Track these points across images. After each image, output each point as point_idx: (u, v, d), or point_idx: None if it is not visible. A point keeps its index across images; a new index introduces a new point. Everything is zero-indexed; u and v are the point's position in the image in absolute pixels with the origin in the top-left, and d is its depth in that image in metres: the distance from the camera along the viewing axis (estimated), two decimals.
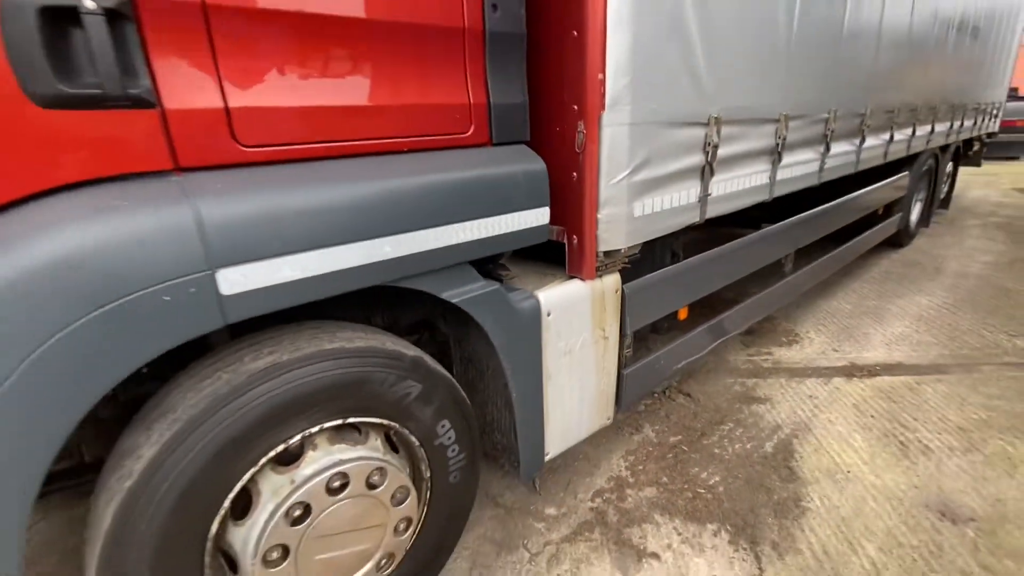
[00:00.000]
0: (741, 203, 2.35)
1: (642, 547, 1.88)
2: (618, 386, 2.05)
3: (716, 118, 1.99)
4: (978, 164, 7.70)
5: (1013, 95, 14.24)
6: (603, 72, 1.54)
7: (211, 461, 1.12)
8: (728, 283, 2.56)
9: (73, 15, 0.86)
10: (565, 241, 1.75)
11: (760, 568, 1.78)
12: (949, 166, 6.29)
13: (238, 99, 1.05)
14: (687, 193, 2.00)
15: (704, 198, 2.08)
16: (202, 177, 1.03)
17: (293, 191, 1.11)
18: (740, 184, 2.29)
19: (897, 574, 1.73)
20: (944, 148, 5.57)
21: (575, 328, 1.78)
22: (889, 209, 4.64)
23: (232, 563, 1.25)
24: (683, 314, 2.43)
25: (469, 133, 1.46)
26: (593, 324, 1.84)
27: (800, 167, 2.73)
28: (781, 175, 2.56)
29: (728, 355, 3.24)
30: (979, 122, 6.18)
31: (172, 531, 1.10)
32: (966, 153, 7.18)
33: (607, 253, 1.77)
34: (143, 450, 1.08)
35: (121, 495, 1.06)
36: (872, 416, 2.59)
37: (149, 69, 0.95)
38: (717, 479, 2.20)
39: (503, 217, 1.52)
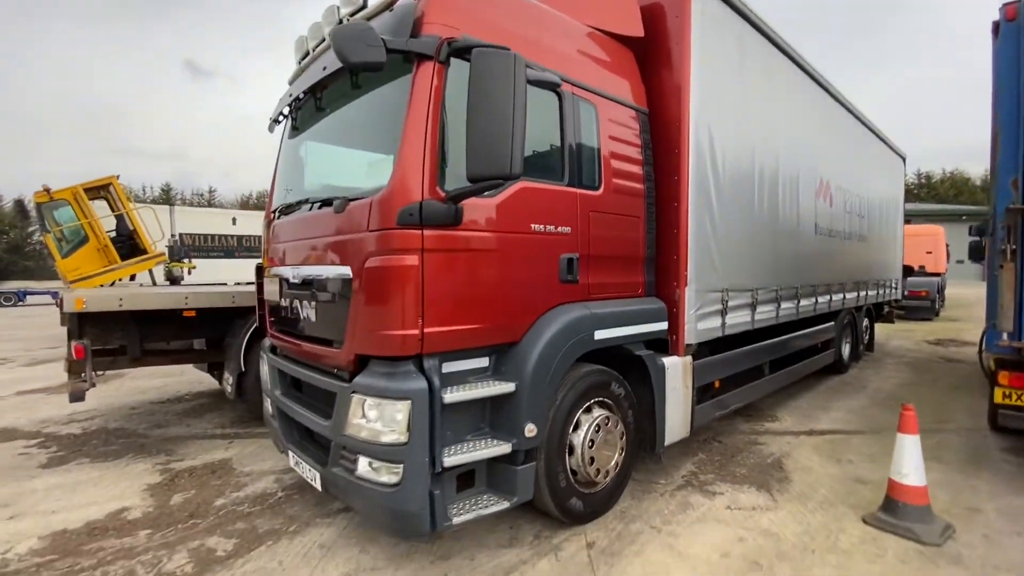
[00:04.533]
0: (738, 329, 4.66)
1: (712, 490, 3.80)
2: (692, 415, 4.11)
3: (726, 288, 4.40)
4: (891, 321, 10.50)
5: (921, 272, 18.14)
6: (686, 271, 3.92)
7: (572, 404, 3.19)
8: (734, 372, 4.76)
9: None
10: (670, 338, 3.97)
11: (772, 496, 3.71)
12: (865, 321, 8.95)
13: (595, 279, 3.36)
14: (716, 321, 4.31)
15: (723, 324, 4.40)
16: (588, 302, 3.29)
17: (603, 309, 3.37)
18: (738, 320, 4.64)
19: (826, 496, 3.69)
20: (858, 308, 8.27)
21: (675, 377, 3.92)
22: (827, 345, 7.08)
23: (571, 450, 3.20)
24: (717, 384, 4.58)
25: (640, 293, 3.80)
26: (682, 378, 3.98)
27: (765, 314, 5.13)
28: (757, 317, 4.94)
29: (738, 426, 5.30)
30: (880, 292, 9.01)
31: (563, 426, 3.12)
32: (880, 314, 10.00)
33: (687, 345, 4.00)
34: (557, 396, 3.15)
35: (551, 412, 3.09)
36: (822, 449, 4.63)
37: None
38: (744, 471, 4.17)
39: (650, 324, 3.77)
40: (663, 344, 3.97)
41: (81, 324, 4.70)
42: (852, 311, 7.98)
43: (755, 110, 4.84)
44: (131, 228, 11.77)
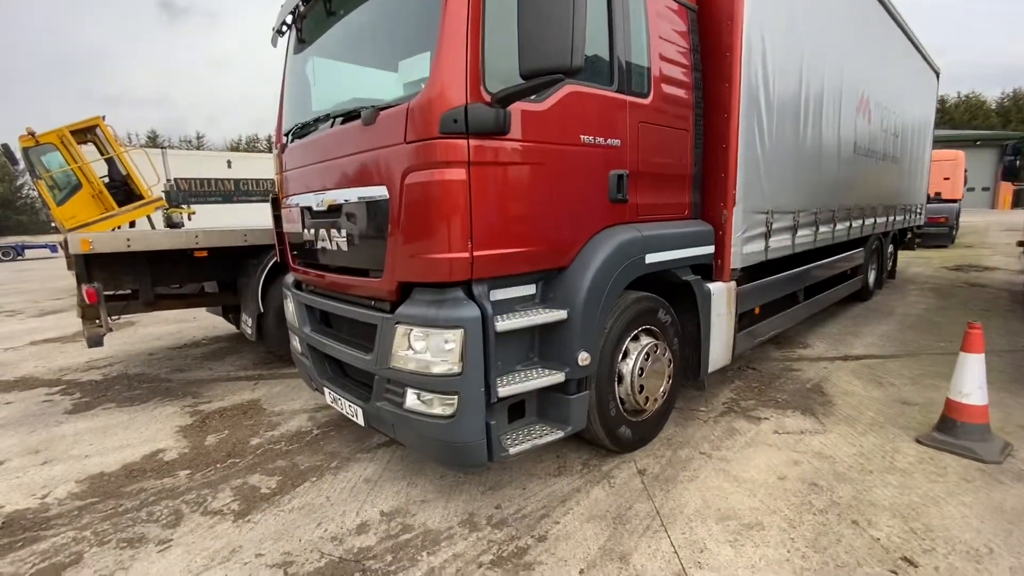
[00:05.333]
0: (780, 253, 4.44)
1: (756, 416, 3.72)
2: (734, 342, 3.97)
3: (771, 210, 4.13)
4: (912, 248, 10.28)
5: (937, 198, 17.65)
6: (735, 190, 3.65)
7: (621, 332, 3.02)
8: (773, 298, 4.59)
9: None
10: (715, 262, 3.76)
11: (818, 420, 3.63)
12: (890, 248, 8.72)
13: (643, 199, 3.10)
14: (760, 245, 4.08)
15: (766, 248, 4.17)
16: (637, 224, 3.04)
17: (653, 231, 3.12)
18: (780, 243, 4.41)
19: (874, 418, 3.61)
20: (885, 234, 8.01)
21: (720, 303, 3.73)
22: (855, 271, 6.88)
23: (620, 379, 3.07)
24: (757, 311, 4.41)
25: (686, 215, 3.54)
26: (726, 304, 3.80)
27: (804, 237, 4.89)
28: (797, 241, 4.70)
29: (771, 353, 5.20)
30: (906, 218, 8.71)
31: (613, 354, 2.97)
32: (903, 240, 9.74)
33: (732, 270, 3.79)
34: (607, 323, 2.97)
35: (601, 340, 2.93)
36: (861, 374, 4.54)
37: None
38: (785, 397, 4.08)
39: (697, 248, 3.54)
40: (706, 269, 3.76)
41: (89, 267, 4.47)
42: (880, 237, 7.72)
43: (803, 11, 4.37)
44: (124, 173, 11.28)
